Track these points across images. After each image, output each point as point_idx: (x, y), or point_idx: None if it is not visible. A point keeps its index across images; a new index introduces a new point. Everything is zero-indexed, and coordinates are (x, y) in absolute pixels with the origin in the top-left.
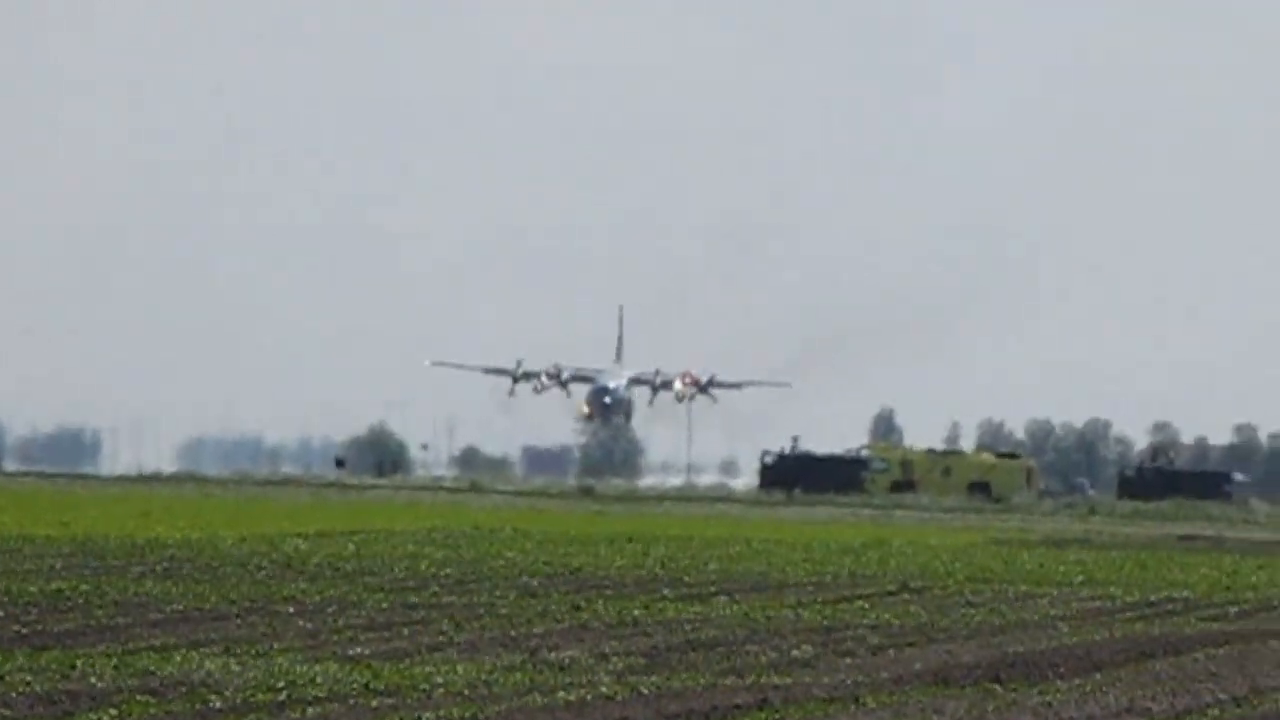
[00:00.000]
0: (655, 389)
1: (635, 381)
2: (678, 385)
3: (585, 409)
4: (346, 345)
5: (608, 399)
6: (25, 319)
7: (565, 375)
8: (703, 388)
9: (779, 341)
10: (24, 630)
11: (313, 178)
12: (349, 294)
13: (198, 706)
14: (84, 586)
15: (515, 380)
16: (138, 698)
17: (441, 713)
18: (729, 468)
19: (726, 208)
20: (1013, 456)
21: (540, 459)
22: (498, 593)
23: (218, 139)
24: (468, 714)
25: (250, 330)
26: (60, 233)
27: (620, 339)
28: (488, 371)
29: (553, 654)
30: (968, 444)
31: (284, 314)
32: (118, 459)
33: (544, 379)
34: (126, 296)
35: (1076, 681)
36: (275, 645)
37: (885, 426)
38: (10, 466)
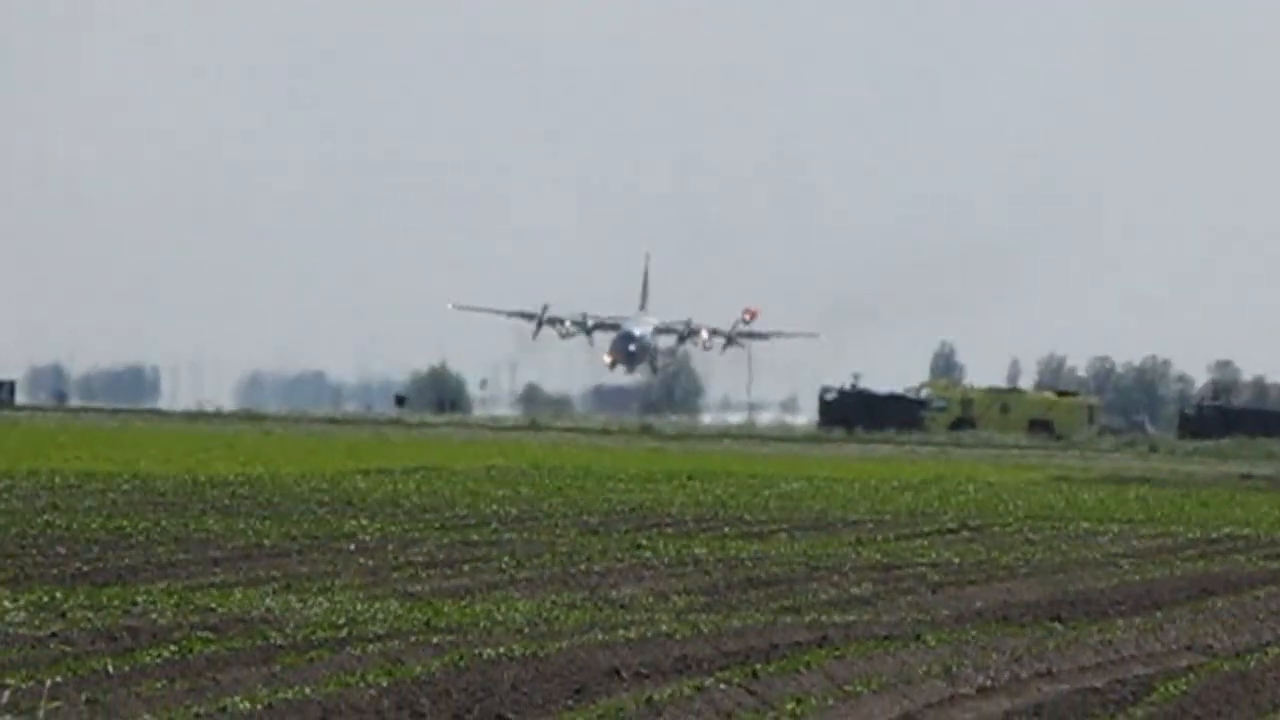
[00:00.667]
0: (682, 337)
1: (661, 330)
2: (704, 333)
3: (609, 357)
4: (408, 282)
5: (632, 346)
6: (86, 256)
7: (590, 322)
8: (730, 337)
9: (830, 285)
10: (85, 567)
11: (366, 115)
12: (408, 231)
13: (258, 643)
14: (144, 523)
15: (540, 325)
16: (198, 634)
17: (502, 650)
18: (789, 406)
19: (770, 150)
20: (1073, 394)
21: (601, 397)
22: (558, 530)
23: (268, 80)
24: (528, 651)
25: (311, 267)
26: (122, 171)
27: (645, 287)
28: (511, 315)
29: (613, 591)
30: (1028, 382)
31: (346, 250)
32: (178, 396)
33: (569, 324)
34: (188, 233)
35: (1137, 619)
36: (336, 582)
37: (945, 364)
38: (72, 403)
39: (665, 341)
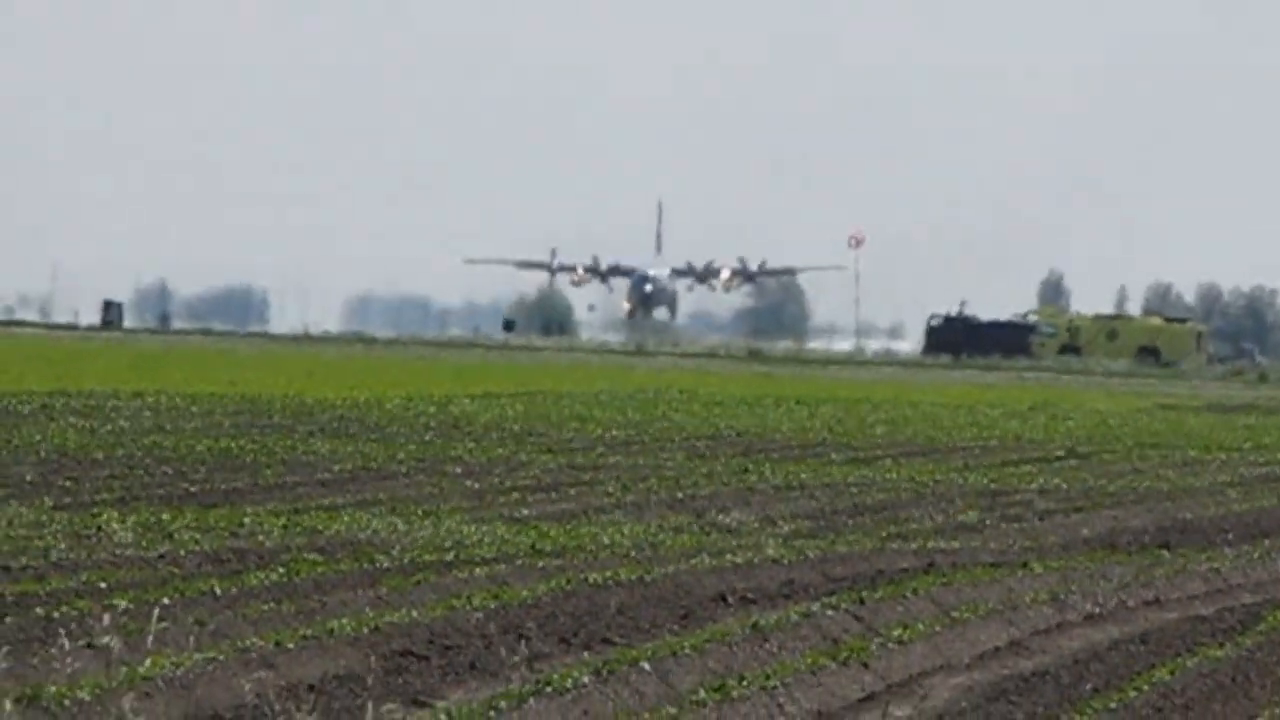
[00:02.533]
0: (700, 278)
1: (678, 272)
2: (724, 274)
3: (627, 302)
4: (517, 207)
5: (648, 287)
6: (194, 177)
7: (604, 267)
8: (750, 275)
9: (939, 212)
10: (192, 488)
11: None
12: (515, 154)
13: (365, 566)
14: (251, 445)
15: (552, 273)
16: (305, 556)
17: (608, 574)
18: (896, 331)
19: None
20: (1181, 321)
21: (707, 322)
22: (664, 454)
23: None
24: (634, 575)
25: (420, 190)
26: (234, 94)
27: (659, 232)
28: (520, 266)
29: (719, 516)
30: (1135, 309)
31: (456, 174)
32: (284, 318)
33: (581, 271)
34: (299, 155)
35: (1244, 547)
36: (442, 506)
37: (1053, 292)
38: (178, 325)
39: (684, 284)
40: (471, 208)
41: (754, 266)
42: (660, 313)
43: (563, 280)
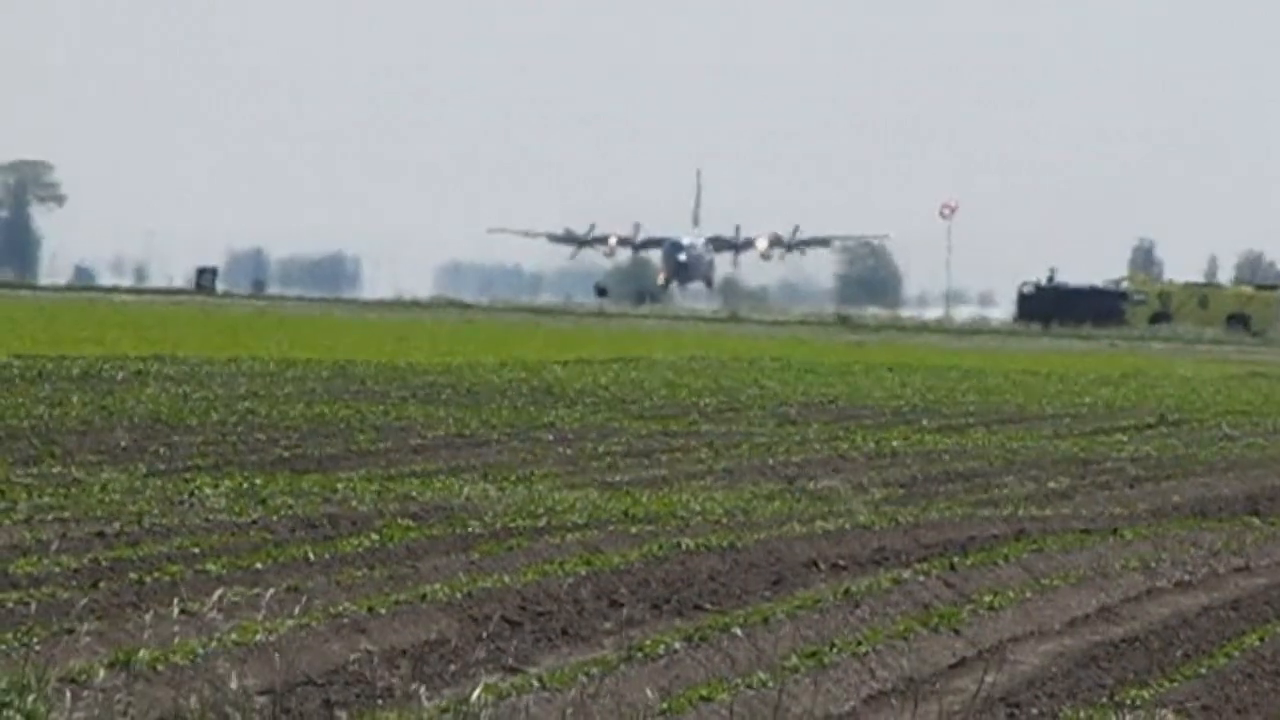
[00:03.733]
0: (737, 249)
1: (715, 242)
2: (761, 244)
3: (661, 274)
4: (612, 175)
5: (682, 255)
6: (288, 143)
7: (639, 239)
8: (790, 245)
9: (1033, 179)
10: (285, 454)
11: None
12: (612, 126)
13: (457, 532)
14: (345, 411)
15: (579, 245)
16: (398, 522)
17: (700, 540)
18: (987, 299)
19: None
20: (1271, 288)
21: (798, 291)
22: (756, 421)
23: None
24: (725, 541)
25: (513, 159)
26: (327, 61)
27: (698, 203)
28: (553, 240)
29: (811, 483)
30: (1225, 277)
31: (551, 140)
32: (377, 284)
33: (613, 242)
34: (390, 123)
35: None
36: (535, 471)
37: (1144, 259)
38: (271, 290)
39: (721, 255)
40: (560, 178)
41: (788, 236)
42: (696, 285)
43: (594, 255)
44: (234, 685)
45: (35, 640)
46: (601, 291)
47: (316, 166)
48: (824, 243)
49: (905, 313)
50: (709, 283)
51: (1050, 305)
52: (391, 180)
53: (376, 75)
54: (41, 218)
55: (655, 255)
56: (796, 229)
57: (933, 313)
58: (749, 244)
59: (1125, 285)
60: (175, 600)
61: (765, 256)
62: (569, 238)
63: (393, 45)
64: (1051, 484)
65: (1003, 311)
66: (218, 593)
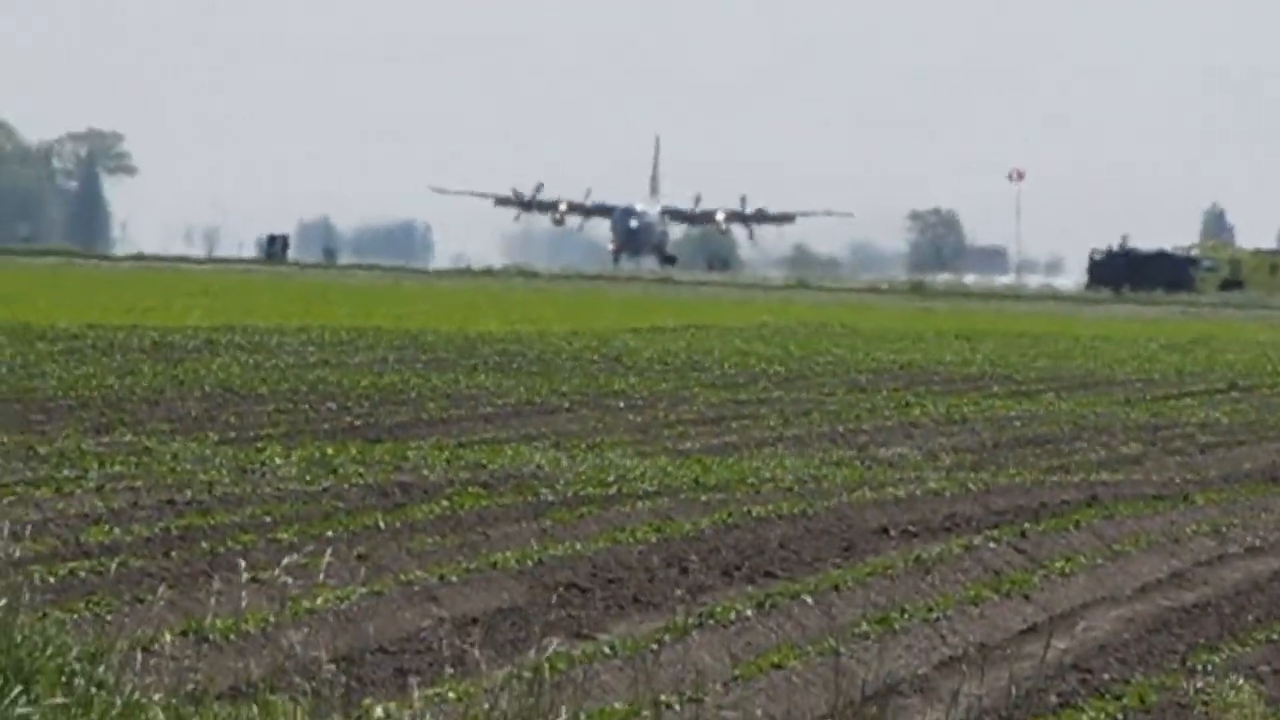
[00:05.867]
0: (692, 220)
1: (669, 213)
2: (719, 215)
3: (611, 243)
4: (680, 138)
5: (633, 222)
6: (358, 114)
7: (589, 204)
8: (745, 219)
9: (1096, 148)
10: (356, 422)
11: None
12: (671, 91)
13: (528, 499)
14: (415, 379)
15: (524, 208)
16: (469, 490)
17: (770, 507)
18: (1054, 266)
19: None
20: None
21: (869, 257)
22: (826, 389)
23: None
24: (797, 509)
25: (583, 124)
26: (398, 33)
27: (655, 171)
28: (499, 203)
29: (881, 450)
30: None
31: (622, 109)
32: (446, 252)
33: (563, 208)
34: (461, 92)
35: None
36: (605, 439)
37: (1216, 226)
38: (341, 259)
39: (675, 226)
40: (630, 148)
41: (750, 210)
42: (649, 258)
43: (542, 219)
44: (303, 653)
45: (107, 609)
46: (669, 259)
47: (386, 136)
48: (788, 219)
49: (972, 278)
50: (662, 253)
51: (1121, 272)
52: (462, 148)
53: (448, 47)
54: (112, 189)
55: (605, 224)
56: (744, 199)
57: (1002, 278)
58: (708, 216)
59: (1195, 252)
60: (245, 568)
61: (721, 231)
62: (516, 200)
63: (460, 16)
64: (1123, 449)
65: (1071, 279)
66: (287, 559)
